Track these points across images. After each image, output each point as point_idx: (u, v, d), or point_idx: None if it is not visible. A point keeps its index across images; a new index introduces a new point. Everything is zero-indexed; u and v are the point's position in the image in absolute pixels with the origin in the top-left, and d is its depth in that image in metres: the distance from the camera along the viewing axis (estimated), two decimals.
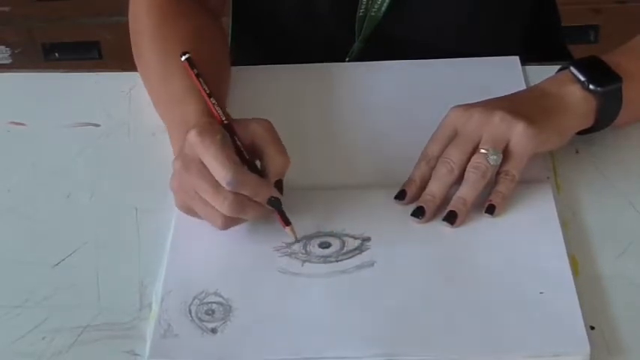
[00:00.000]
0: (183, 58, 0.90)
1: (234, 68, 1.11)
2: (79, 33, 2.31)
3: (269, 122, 0.91)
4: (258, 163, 0.91)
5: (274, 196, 0.88)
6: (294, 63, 1.14)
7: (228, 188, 0.86)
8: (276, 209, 0.89)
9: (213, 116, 0.91)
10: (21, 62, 2.32)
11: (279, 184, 0.90)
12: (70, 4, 2.28)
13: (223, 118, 0.90)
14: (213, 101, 0.90)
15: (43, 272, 0.90)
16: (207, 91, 0.91)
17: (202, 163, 0.87)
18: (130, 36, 1.10)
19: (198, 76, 0.90)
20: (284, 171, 0.90)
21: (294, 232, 0.90)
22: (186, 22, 1.07)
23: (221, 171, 0.85)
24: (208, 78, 0.93)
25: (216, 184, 0.86)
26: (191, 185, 0.88)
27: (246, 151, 0.90)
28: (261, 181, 0.88)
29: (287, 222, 0.90)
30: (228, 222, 0.89)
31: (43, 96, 1.13)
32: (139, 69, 1.09)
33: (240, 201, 0.87)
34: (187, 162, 0.88)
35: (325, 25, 1.20)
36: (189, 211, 0.90)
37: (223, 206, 0.86)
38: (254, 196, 0.87)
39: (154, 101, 1.06)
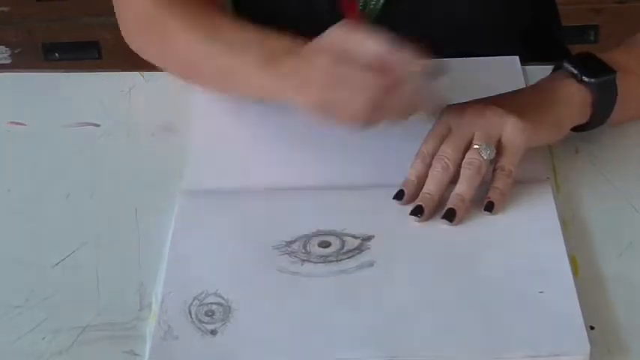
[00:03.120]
0: None
1: None
2: (79, 33, 2.31)
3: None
4: None
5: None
6: None
7: (388, 56, 0.87)
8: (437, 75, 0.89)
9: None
10: (21, 62, 2.32)
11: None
12: (70, 4, 2.28)
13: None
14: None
15: (43, 272, 0.90)
16: None
17: (347, 52, 0.88)
18: (140, 34, 1.09)
19: None
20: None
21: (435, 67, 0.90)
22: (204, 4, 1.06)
23: (376, 44, 0.87)
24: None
25: (365, 69, 0.87)
26: (339, 75, 0.88)
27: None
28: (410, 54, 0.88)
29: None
30: (367, 118, 0.89)
31: (43, 96, 1.13)
32: (151, 45, 1.07)
33: (387, 89, 0.87)
34: (332, 54, 0.89)
35: (324, 25, 1.20)
36: (328, 108, 0.90)
37: (370, 93, 0.87)
38: (410, 65, 0.87)
39: (214, 72, 1.02)
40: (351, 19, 0.92)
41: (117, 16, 1.12)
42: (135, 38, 1.10)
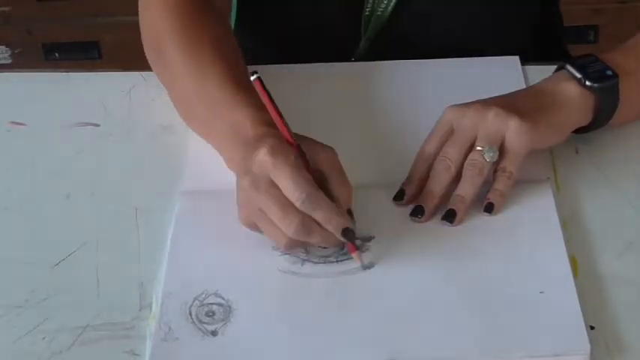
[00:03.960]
0: (253, 77, 0.86)
1: None
2: (79, 33, 2.31)
3: (334, 151, 0.89)
4: None
5: (348, 226, 0.85)
6: (300, 62, 1.14)
7: (301, 208, 0.84)
8: (348, 241, 0.86)
9: (269, 127, 0.89)
10: (21, 62, 2.32)
11: (349, 213, 0.88)
12: (70, 4, 2.28)
13: (294, 140, 0.87)
14: (285, 122, 0.87)
15: (43, 272, 0.90)
16: (279, 112, 0.87)
17: (272, 182, 0.85)
18: (145, 38, 1.08)
19: (269, 95, 0.87)
20: (350, 203, 0.88)
21: (360, 259, 0.88)
22: (207, 22, 1.05)
23: (295, 191, 0.84)
24: (243, 79, 0.92)
25: (284, 206, 0.84)
26: (259, 204, 0.86)
27: (314, 175, 0.87)
28: (335, 207, 0.85)
29: (355, 247, 0.88)
30: (293, 243, 0.87)
31: (43, 96, 1.13)
32: (155, 65, 1.08)
33: (308, 225, 0.85)
34: (257, 181, 0.86)
35: (332, 25, 1.20)
36: (254, 227, 0.89)
37: (290, 228, 0.85)
38: (326, 222, 0.85)
39: (183, 101, 1.03)
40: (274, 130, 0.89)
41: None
42: (146, 52, 1.10)
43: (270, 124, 0.90)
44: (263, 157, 0.86)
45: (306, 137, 0.91)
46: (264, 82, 0.88)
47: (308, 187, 0.84)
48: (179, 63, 1.03)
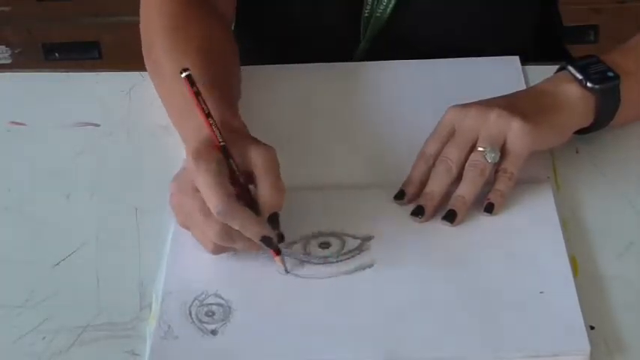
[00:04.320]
0: (183, 75, 0.85)
1: None
2: (79, 33, 2.31)
3: (271, 151, 0.88)
4: (253, 188, 0.88)
5: (265, 235, 0.85)
6: (299, 63, 1.14)
7: (218, 218, 0.84)
8: (268, 247, 0.86)
9: (228, 132, 0.89)
10: (21, 62, 2.32)
11: (274, 219, 0.87)
12: (70, 4, 2.28)
13: (220, 141, 0.87)
14: (212, 121, 0.86)
15: (43, 272, 0.90)
16: (206, 111, 0.86)
17: (196, 188, 0.85)
18: (141, 36, 1.10)
19: (197, 94, 0.86)
20: (276, 206, 0.87)
21: (283, 263, 0.88)
22: (198, 27, 1.06)
23: (212, 200, 0.84)
24: (221, 83, 0.91)
25: (207, 211, 0.85)
26: (186, 208, 0.87)
27: (243, 176, 0.87)
28: (252, 216, 0.85)
29: (278, 252, 0.88)
30: (219, 249, 0.88)
31: (43, 96, 1.13)
32: (148, 68, 1.09)
33: (229, 232, 0.85)
34: (183, 185, 0.87)
35: (331, 26, 1.20)
36: (188, 229, 0.90)
37: (212, 234, 0.85)
38: (243, 231, 0.85)
39: (165, 104, 1.05)
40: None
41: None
42: (145, 56, 1.10)
43: (233, 129, 0.90)
44: (188, 162, 0.86)
45: (246, 137, 0.90)
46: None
47: (223, 197, 0.84)
48: (163, 64, 1.03)
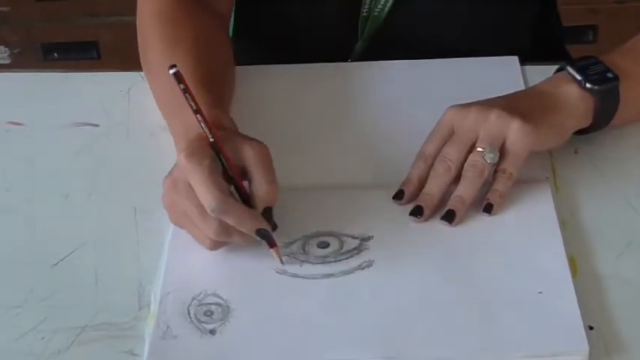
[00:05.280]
0: (170, 71, 0.85)
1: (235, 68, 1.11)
2: (78, 33, 2.31)
3: (263, 147, 0.89)
4: (247, 184, 0.89)
5: (261, 228, 0.86)
6: (297, 62, 1.14)
7: (213, 215, 0.84)
8: (264, 240, 0.87)
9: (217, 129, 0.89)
10: (20, 62, 2.32)
11: (267, 212, 0.88)
12: (69, 4, 2.28)
13: (210, 138, 0.86)
14: (200, 119, 0.86)
15: (42, 272, 0.90)
16: (194, 108, 0.86)
17: (190, 186, 0.85)
18: (137, 35, 1.10)
19: (185, 91, 0.86)
20: (271, 201, 0.88)
21: (279, 255, 0.88)
22: (191, 26, 1.06)
23: (206, 198, 0.84)
24: (212, 82, 0.91)
25: (202, 209, 0.85)
26: (181, 207, 0.87)
27: (236, 173, 0.87)
28: (246, 211, 0.86)
29: (273, 244, 0.88)
30: (216, 244, 0.88)
31: (42, 96, 1.13)
32: (143, 67, 1.09)
33: (226, 227, 0.85)
34: (176, 183, 0.87)
35: (329, 26, 1.20)
36: (182, 227, 0.90)
37: (210, 231, 0.86)
38: (239, 226, 0.85)
39: (157, 102, 1.05)
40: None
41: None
42: (140, 55, 1.10)
43: (223, 127, 0.90)
44: (181, 160, 0.86)
45: (237, 133, 0.91)
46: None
47: (217, 194, 0.84)
48: (154, 62, 1.04)
